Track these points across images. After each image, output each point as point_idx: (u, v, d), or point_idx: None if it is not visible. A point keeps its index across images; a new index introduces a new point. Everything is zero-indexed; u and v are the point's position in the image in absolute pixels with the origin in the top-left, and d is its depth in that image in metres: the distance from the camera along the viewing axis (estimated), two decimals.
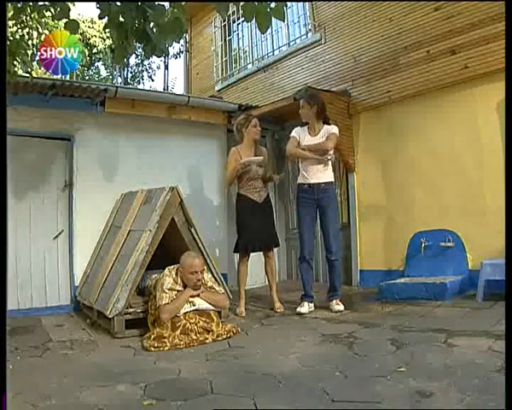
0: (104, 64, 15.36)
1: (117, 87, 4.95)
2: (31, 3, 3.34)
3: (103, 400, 2.20)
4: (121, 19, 2.61)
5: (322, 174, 4.11)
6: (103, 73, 15.83)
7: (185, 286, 3.48)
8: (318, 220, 4.21)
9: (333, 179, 4.21)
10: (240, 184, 4.36)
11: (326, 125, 4.19)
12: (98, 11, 2.65)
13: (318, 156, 4.06)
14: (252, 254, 4.38)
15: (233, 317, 4.03)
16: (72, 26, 2.97)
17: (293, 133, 4.24)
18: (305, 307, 4.05)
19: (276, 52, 6.68)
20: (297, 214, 4.34)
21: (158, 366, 2.75)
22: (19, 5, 3.31)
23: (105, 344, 3.34)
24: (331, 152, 4.11)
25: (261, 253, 4.39)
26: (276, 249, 4.65)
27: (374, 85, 5.22)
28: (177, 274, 3.53)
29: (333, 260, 4.11)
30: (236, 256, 4.53)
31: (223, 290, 3.78)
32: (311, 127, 4.18)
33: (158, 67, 15.86)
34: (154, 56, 2.82)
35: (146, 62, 15.74)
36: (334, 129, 4.14)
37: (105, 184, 4.94)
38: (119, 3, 2.59)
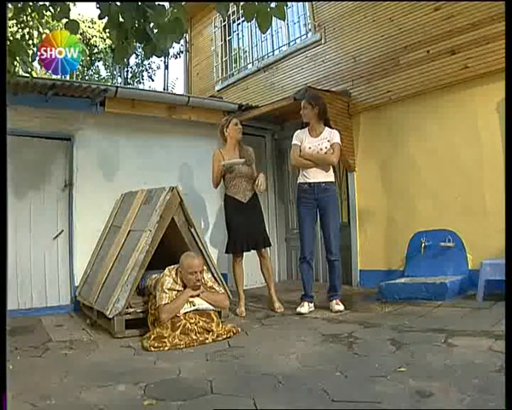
0: (104, 64, 15.35)
1: (117, 87, 4.96)
2: (31, 3, 3.34)
3: (103, 400, 2.20)
4: (121, 19, 2.61)
5: (322, 174, 4.11)
6: (103, 73, 15.82)
7: (185, 286, 3.48)
8: (318, 220, 4.21)
9: (333, 179, 4.21)
10: (225, 185, 4.36)
11: (327, 127, 4.19)
12: (98, 11, 2.65)
13: (321, 165, 4.09)
14: (251, 255, 4.38)
15: (233, 317, 4.04)
16: (73, 26, 2.97)
17: (295, 140, 4.22)
18: (305, 307, 4.05)
19: (276, 52, 6.67)
20: (297, 214, 4.34)
21: (158, 366, 2.75)
22: (19, 5, 3.31)
23: (105, 344, 3.34)
24: (334, 160, 4.12)
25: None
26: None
27: (374, 85, 5.22)
28: (177, 274, 3.53)
29: (333, 261, 4.10)
30: None
31: (223, 290, 3.78)
32: (311, 128, 4.18)
33: (158, 67, 15.85)
34: (154, 56, 2.82)
35: (146, 62, 15.73)
36: (337, 137, 4.12)
37: (105, 184, 4.95)
38: (119, 3, 2.59)
